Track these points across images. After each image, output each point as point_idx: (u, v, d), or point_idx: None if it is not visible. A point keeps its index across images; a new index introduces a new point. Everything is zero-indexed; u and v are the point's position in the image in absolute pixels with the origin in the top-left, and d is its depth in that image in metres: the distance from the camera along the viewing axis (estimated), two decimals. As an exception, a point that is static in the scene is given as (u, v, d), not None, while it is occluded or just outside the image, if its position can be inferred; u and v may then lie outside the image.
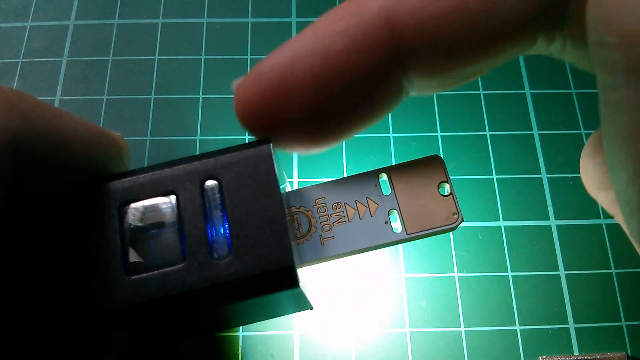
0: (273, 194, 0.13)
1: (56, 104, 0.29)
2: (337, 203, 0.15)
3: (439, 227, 0.15)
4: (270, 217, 0.13)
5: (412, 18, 0.10)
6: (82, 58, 0.31)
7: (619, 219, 0.12)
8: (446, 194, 0.15)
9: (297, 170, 0.28)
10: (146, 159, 0.28)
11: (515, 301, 0.25)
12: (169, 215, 0.13)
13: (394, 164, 0.16)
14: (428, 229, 0.15)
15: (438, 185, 0.16)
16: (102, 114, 0.29)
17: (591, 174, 0.13)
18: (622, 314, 0.25)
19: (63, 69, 0.30)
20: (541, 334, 0.25)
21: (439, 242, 0.26)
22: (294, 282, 0.13)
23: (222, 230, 0.13)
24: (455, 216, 0.15)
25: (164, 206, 0.13)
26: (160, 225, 0.13)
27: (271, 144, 0.14)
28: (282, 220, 0.13)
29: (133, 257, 0.13)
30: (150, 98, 0.30)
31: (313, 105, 0.12)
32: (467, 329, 0.25)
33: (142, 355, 0.15)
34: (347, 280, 0.26)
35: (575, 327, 0.25)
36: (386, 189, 0.16)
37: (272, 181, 0.13)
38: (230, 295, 0.13)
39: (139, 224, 0.13)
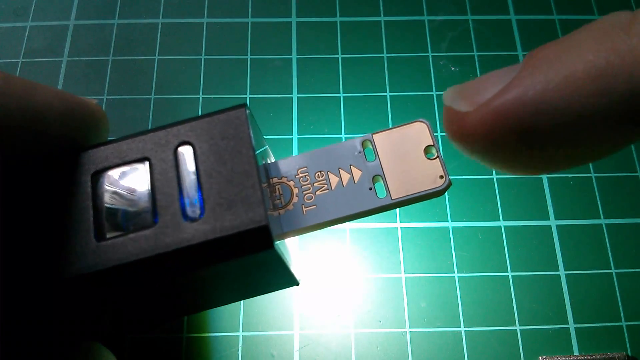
0: (246, 154, 0.13)
1: (56, 104, 0.29)
2: (320, 172, 0.15)
3: (425, 190, 0.14)
4: (242, 176, 0.12)
5: None
6: (82, 58, 0.31)
7: None
8: (433, 157, 0.15)
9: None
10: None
11: (515, 301, 0.25)
12: (143, 182, 0.13)
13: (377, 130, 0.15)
14: (414, 193, 0.14)
15: (425, 150, 0.15)
16: (102, 114, 0.29)
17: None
18: (622, 314, 0.25)
19: (63, 69, 0.30)
20: (541, 334, 0.25)
21: (439, 242, 0.26)
22: (268, 242, 0.12)
23: (194, 194, 0.13)
24: (442, 179, 0.15)
25: (138, 173, 0.13)
26: (133, 192, 0.13)
27: (247, 109, 0.13)
28: (254, 179, 0.12)
29: (104, 223, 0.12)
30: (150, 98, 0.30)
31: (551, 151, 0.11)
32: (467, 329, 0.25)
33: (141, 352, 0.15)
34: (346, 280, 0.26)
35: (575, 327, 0.25)
36: (370, 156, 0.15)
37: (246, 143, 0.13)
38: (202, 258, 0.12)
39: (112, 191, 0.13)
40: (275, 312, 0.25)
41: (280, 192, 0.15)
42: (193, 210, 0.12)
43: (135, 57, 0.31)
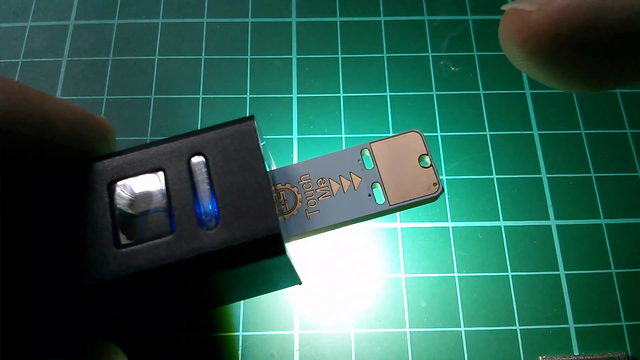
0: (257, 166, 0.13)
1: (56, 104, 0.29)
2: (322, 178, 0.16)
3: (421, 197, 0.16)
4: (255, 187, 0.13)
5: None
6: (82, 58, 0.31)
7: None
8: (426, 165, 0.16)
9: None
10: (146, 159, 0.28)
11: (515, 301, 0.25)
12: (158, 191, 0.13)
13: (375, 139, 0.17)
14: (410, 199, 0.16)
15: (419, 158, 0.16)
16: (102, 114, 0.29)
17: None
18: (622, 314, 0.25)
19: (63, 69, 0.30)
20: (541, 334, 0.25)
21: (439, 242, 0.26)
22: (280, 249, 0.13)
23: (209, 203, 0.13)
24: (436, 186, 0.16)
25: (153, 182, 0.13)
26: (149, 201, 0.13)
27: (255, 121, 0.14)
28: (267, 191, 0.13)
29: (122, 231, 0.13)
30: (150, 98, 0.30)
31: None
32: (467, 329, 0.25)
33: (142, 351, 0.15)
34: (346, 280, 0.26)
35: (575, 327, 0.25)
36: (369, 164, 0.16)
37: (257, 154, 0.13)
38: (219, 264, 0.13)
39: (128, 200, 0.13)
40: (275, 312, 0.25)
41: (285, 197, 0.16)
42: (208, 219, 0.13)
43: (135, 57, 0.31)
